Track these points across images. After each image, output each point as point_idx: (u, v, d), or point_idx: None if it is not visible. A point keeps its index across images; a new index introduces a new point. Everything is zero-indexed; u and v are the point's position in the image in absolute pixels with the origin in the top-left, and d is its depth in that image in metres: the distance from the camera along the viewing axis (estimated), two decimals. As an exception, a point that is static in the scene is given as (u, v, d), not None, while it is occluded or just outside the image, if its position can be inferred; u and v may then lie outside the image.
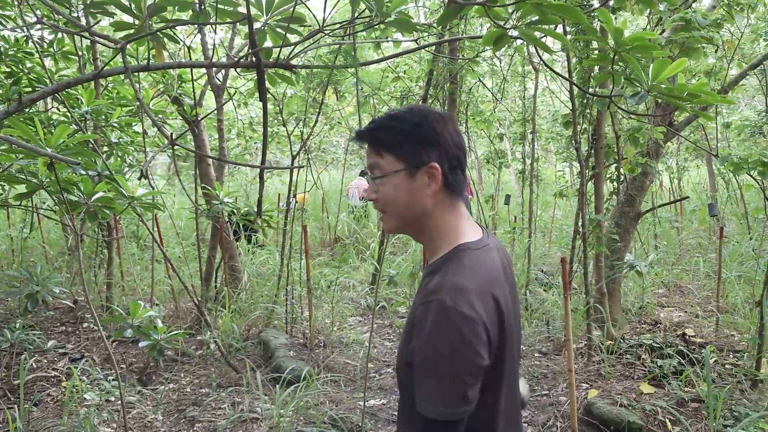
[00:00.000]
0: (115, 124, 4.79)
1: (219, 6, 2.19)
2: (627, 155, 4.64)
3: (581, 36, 3.71)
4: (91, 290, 5.86)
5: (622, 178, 5.05)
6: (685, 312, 6.18)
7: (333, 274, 7.03)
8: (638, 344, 4.52)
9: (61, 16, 3.72)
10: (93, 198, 2.83)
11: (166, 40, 2.52)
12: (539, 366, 4.59)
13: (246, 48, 6.44)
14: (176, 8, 2.35)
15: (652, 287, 6.71)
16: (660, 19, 4.38)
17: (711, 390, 3.59)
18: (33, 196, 3.11)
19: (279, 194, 10.12)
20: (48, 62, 4.83)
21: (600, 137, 4.63)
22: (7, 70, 4.56)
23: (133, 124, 5.19)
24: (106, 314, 5.33)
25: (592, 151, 4.69)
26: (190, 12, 2.35)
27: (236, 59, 2.23)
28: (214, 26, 2.31)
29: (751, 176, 3.67)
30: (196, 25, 5.23)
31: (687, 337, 4.90)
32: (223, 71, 5.79)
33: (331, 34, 2.27)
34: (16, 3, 3.99)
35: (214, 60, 4.82)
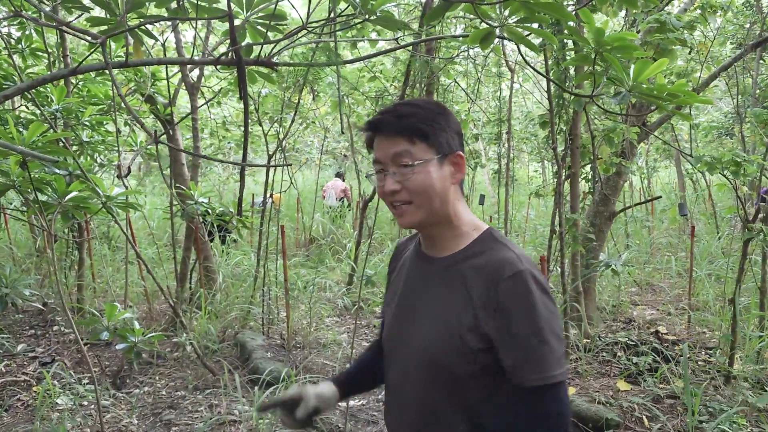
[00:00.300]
0: (87, 123, 4.69)
1: (198, 2, 2.16)
2: (602, 155, 4.69)
3: (560, 36, 3.74)
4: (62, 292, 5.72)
5: (597, 177, 5.11)
6: (658, 310, 6.28)
7: (309, 275, 6.98)
8: (614, 342, 4.58)
9: (31, 11, 3.63)
10: (66, 198, 2.76)
11: (143, 37, 2.47)
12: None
13: (220, 46, 6.37)
14: (153, 4, 2.31)
15: (625, 286, 6.80)
16: (634, 21, 4.44)
17: (685, 387, 3.65)
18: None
19: (253, 194, 10.03)
20: (15, 59, 4.71)
21: (576, 137, 4.68)
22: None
23: (105, 122, 5.08)
24: (78, 317, 5.21)
25: (568, 151, 4.74)
26: (167, 8, 2.31)
27: (217, 57, 2.19)
28: (194, 23, 2.27)
29: (724, 176, 3.74)
30: (169, 23, 5.15)
31: (660, 334, 4.98)
32: (197, 69, 5.71)
33: (313, 31, 2.24)
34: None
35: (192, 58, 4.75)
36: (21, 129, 4.06)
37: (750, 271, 5.13)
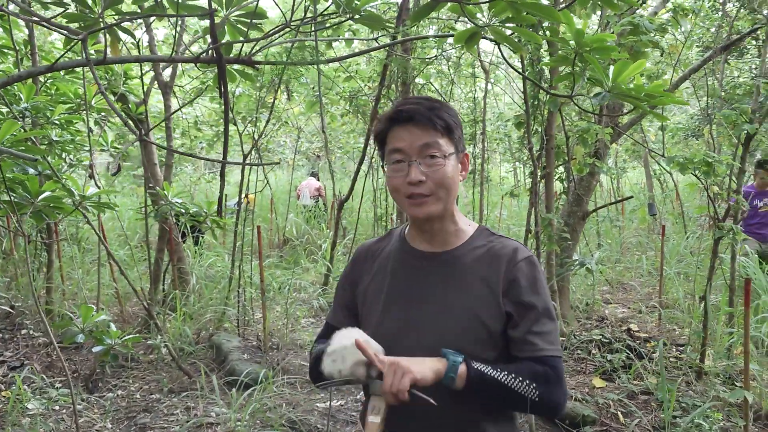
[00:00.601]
0: (56, 122, 4.59)
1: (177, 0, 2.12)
2: (576, 155, 4.75)
3: (541, 37, 3.78)
4: (30, 295, 5.59)
5: (571, 178, 5.18)
6: (629, 308, 6.39)
7: (284, 276, 6.94)
8: (588, 340, 4.65)
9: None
10: (40, 198, 2.70)
11: (118, 33, 2.42)
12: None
13: (194, 44, 6.29)
14: (130, 1, 2.27)
15: (597, 284, 6.91)
16: (608, 24, 4.51)
17: (660, 383, 3.73)
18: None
19: (225, 195, 9.93)
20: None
21: (551, 138, 4.74)
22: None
23: (74, 121, 4.97)
24: (47, 320, 5.10)
25: (543, 152, 4.79)
26: (145, 4, 2.28)
27: (197, 55, 2.17)
28: (172, 20, 2.24)
29: (696, 176, 3.82)
30: (140, 20, 5.06)
31: (632, 332, 5.07)
32: (170, 68, 5.63)
33: (296, 29, 2.23)
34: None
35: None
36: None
37: (719, 268, 5.25)
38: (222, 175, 2.41)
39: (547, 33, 3.27)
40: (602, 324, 5.39)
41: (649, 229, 10.53)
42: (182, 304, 5.18)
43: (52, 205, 2.76)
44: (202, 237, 8.14)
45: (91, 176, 5.28)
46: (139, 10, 2.49)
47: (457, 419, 1.39)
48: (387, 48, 4.98)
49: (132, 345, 3.15)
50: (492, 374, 1.31)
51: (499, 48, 2.18)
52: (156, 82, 5.54)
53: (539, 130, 4.74)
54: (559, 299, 4.85)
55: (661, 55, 6.08)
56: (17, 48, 4.83)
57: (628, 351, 4.39)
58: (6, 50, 4.75)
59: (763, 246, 6.11)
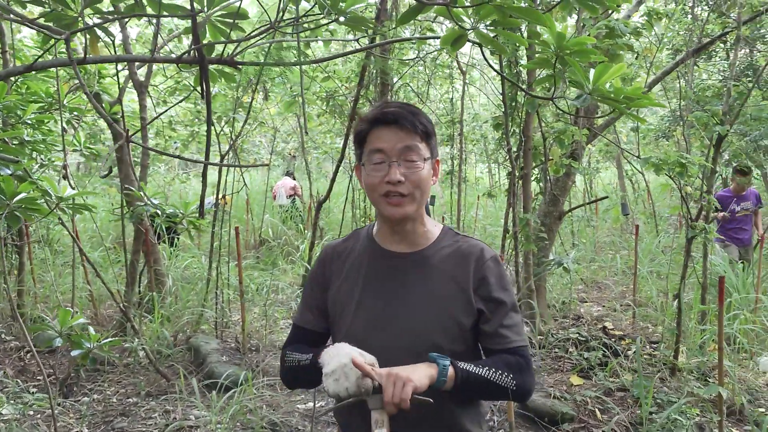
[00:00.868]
0: (28, 122, 4.49)
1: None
2: (553, 156, 4.81)
3: (520, 39, 3.82)
4: (0, 298, 5.48)
5: (548, 178, 5.24)
6: (604, 306, 6.49)
7: (261, 277, 6.90)
8: (565, 338, 4.71)
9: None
10: (15, 199, 2.64)
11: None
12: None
13: (169, 42, 6.22)
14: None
15: (573, 283, 7.00)
16: (583, 26, 4.58)
17: (636, 380, 3.79)
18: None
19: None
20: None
21: (528, 139, 4.79)
22: None
23: (46, 121, 4.88)
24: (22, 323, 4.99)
25: (521, 153, 4.84)
26: (124, 4, 2.25)
27: (179, 55, 2.15)
28: (154, 19, 2.21)
29: (670, 177, 3.89)
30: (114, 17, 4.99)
31: (607, 330, 5.15)
32: (146, 67, 5.56)
33: (280, 30, 2.22)
34: None
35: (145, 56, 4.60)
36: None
37: (691, 267, 5.37)
38: (204, 176, 2.39)
39: (527, 35, 3.30)
40: (578, 322, 5.47)
41: (622, 229, 10.71)
42: (159, 306, 5.12)
43: (27, 206, 2.71)
44: (178, 238, 8.05)
45: (65, 177, 5.18)
46: (116, 9, 2.46)
47: (434, 411, 1.44)
48: (368, 50, 4.98)
49: (109, 348, 3.11)
50: (476, 371, 1.39)
51: (481, 49, 2.20)
52: (131, 81, 5.47)
53: (517, 131, 4.79)
54: (536, 298, 4.91)
55: (636, 58, 6.18)
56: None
57: (604, 349, 4.46)
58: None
59: (741, 251, 6.23)
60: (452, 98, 8.77)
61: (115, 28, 5.78)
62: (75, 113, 5.31)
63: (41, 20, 2.12)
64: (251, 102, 5.32)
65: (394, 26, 4.62)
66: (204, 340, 4.90)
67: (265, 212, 10.16)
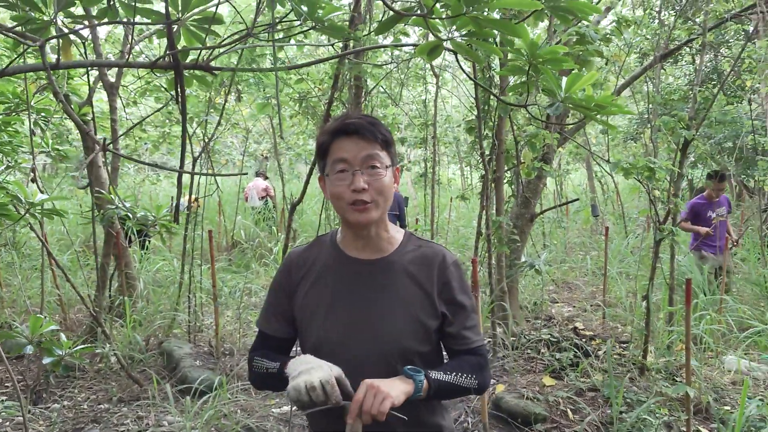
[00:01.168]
0: (-5, 124, 4.39)
1: (130, 2, 2.09)
2: (525, 159, 4.88)
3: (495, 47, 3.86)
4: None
5: (520, 181, 5.31)
6: (574, 307, 6.60)
7: (234, 280, 6.86)
8: (537, 339, 4.77)
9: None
10: (-16, 204, 2.59)
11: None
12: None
13: (140, 43, 6.14)
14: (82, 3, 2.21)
15: (544, 285, 7.09)
16: (554, 32, 4.65)
17: (606, 380, 3.87)
18: None
19: (172, 197, 9.73)
20: None
21: (501, 142, 4.84)
22: None
23: (13, 123, 4.78)
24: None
25: (493, 156, 4.90)
26: (97, 7, 2.22)
27: (154, 60, 2.13)
28: (128, 23, 2.18)
29: (639, 180, 3.98)
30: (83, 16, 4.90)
31: (578, 330, 5.23)
32: (115, 68, 5.48)
33: (255, 36, 2.22)
34: None
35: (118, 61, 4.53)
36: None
37: (659, 268, 5.48)
38: (179, 183, 2.37)
39: (500, 43, 3.35)
40: (550, 323, 5.55)
41: (592, 230, 10.87)
42: (130, 311, 5.06)
43: (-4, 212, 2.66)
44: (149, 241, 7.95)
45: (33, 180, 5.09)
46: (88, 12, 2.42)
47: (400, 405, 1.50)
48: (336, 51, 4.99)
49: (80, 355, 3.07)
50: (446, 379, 1.49)
51: (455, 56, 2.23)
52: (101, 82, 5.39)
53: (490, 134, 4.84)
54: (508, 299, 4.96)
55: (606, 64, 6.30)
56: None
57: (575, 349, 4.54)
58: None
59: (718, 258, 6.12)
60: (425, 100, 8.81)
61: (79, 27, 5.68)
62: (42, 114, 5.21)
63: (11, 24, 2.08)
64: (224, 103, 5.28)
65: (368, 32, 4.63)
66: (177, 344, 4.86)
67: (238, 214, 10.09)
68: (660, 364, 4.21)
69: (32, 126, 5.33)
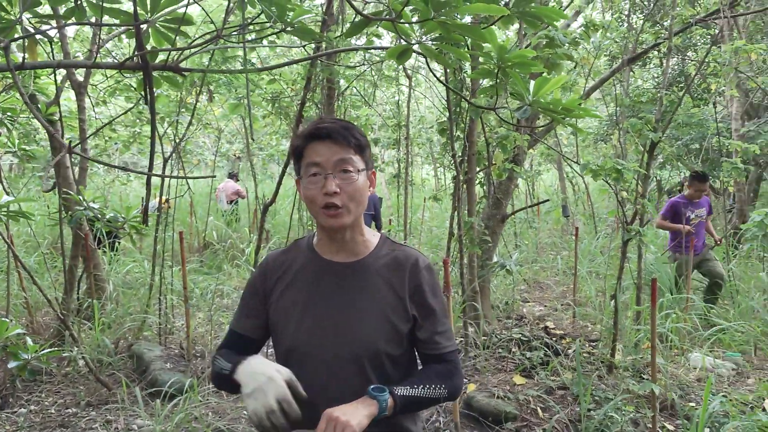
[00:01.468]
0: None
1: (97, 2, 2.06)
2: (496, 161, 4.93)
3: (464, 51, 3.90)
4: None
5: (492, 182, 5.36)
6: (545, 306, 6.68)
7: (206, 281, 6.80)
8: (509, 338, 4.83)
9: None
10: (-54, 206, 2.54)
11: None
12: (419, 364, 4.75)
13: (108, 42, 6.05)
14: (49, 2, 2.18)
15: (516, 284, 7.17)
16: (525, 35, 4.71)
17: (575, 378, 3.93)
18: None
19: (142, 198, 9.60)
20: None
21: (472, 144, 4.89)
22: None
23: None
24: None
25: (465, 157, 4.94)
26: (64, 6, 2.19)
27: (122, 61, 2.11)
28: (98, 21, 2.15)
29: (606, 182, 4.05)
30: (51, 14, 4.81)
31: (548, 329, 5.31)
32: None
33: (225, 38, 2.21)
34: None
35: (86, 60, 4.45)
36: None
37: (627, 268, 5.58)
38: (148, 185, 2.35)
39: (471, 46, 3.38)
40: (521, 322, 5.61)
41: (562, 230, 11.01)
42: (99, 313, 4.98)
43: (-41, 214, 2.61)
44: (119, 242, 7.84)
45: (-1, 181, 4.99)
46: (56, 12, 2.39)
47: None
48: (308, 53, 4.98)
49: (47, 359, 3.02)
50: (413, 393, 1.50)
51: (426, 62, 2.25)
52: (69, 81, 5.30)
53: (461, 136, 4.88)
54: (480, 299, 5.01)
55: (574, 67, 6.39)
56: None
57: (545, 348, 4.60)
58: None
59: (695, 258, 6.01)
60: (398, 101, 8.84)
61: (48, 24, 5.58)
62: (9, 114, 5.12)
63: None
64: (195, 103, 5.23)
65: (339, 34, 4.64)
66: (147, 347, 4.80)
67: (210, 215, 10.00)
68: (627, 362, 4.29)
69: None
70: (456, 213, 4.79)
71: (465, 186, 4.97)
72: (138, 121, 8.93)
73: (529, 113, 2.21)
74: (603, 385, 4.07)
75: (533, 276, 8.01)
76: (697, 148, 10.73)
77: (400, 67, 7.69)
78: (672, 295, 5.44)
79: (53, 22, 2.57)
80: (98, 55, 4.31)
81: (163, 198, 5.72)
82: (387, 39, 7.00)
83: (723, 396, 3.78)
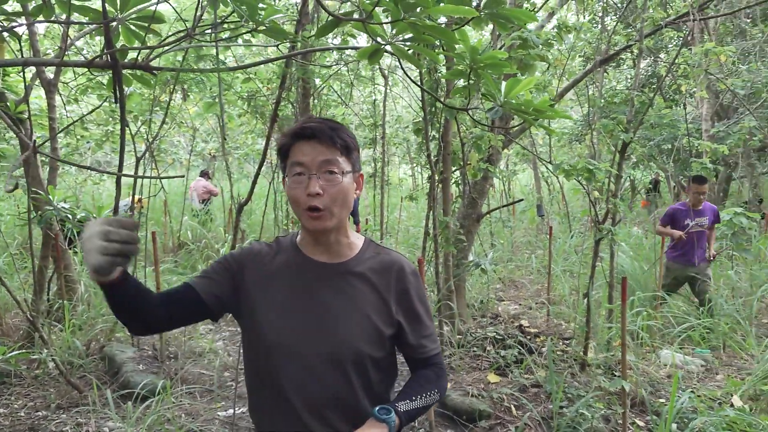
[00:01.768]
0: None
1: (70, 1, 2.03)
2: (471, 161, 4.96)
3: (437, 52, 3.92)
4: None
5: (466, 182, 5.39)
6: (520, 305, 6.74)
7: (179, 281, 6.73)
8: (483, 337, 4.86)
9: None
10: None
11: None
12: (394, 363, 4.76)
13: (78, 40, 5.96)
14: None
15: (491, 283, 7.22)
16: (499, 36, 4.74)
17: (548, 376, 3.97)
18: None
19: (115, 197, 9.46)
20: None
21: (447, 144, 4.91)
22: None
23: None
24: None
25: (440, 157, 4.96)
26: (32, 3, 2.16)
27: (91, 59, 2.08)
28: (66, 18, 2.12)
29: (579, 182, 4.10)
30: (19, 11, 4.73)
31: (523, 328, 5.35)
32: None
33: (196, 37, 2.19)
34: None
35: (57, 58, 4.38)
36: None
37: (599, 266, 5.66)
38: (118, 185, 2.33)
39: (444, 47, 3.40)
40: (496, 321, 5.66)
41: (537, 229, 11.12)
42: (70, 315, 4.91)
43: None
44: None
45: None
46: (25, 9, 2.35)
47: (352, 411, 1.54)
48: (283, 53, 4.96)
49: (16, 361, 2.97)
50: (414, 406, 1.53)
51: (399, 62, 2.26)
52: (38, 79, 5.21)
53: (437, 136, 4.91)
54: (455, 298, 5.04)
55: (548, 68, 6.46)
56: None
57: (519, 347, 4.64)
58: None
59: (690, 269, 5.72)
60: (375, 100, 8.84)
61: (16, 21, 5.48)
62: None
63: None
64: (169, 102, 5.18)
65: (314, 34, 4.62)
66: (119, 348, 4.74)
67: (184, 214, 9.91)
68: (600, 360, 4.35)
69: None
70: (431, 212, 4.81)
71: (440, 186, 5.00)
72: (111, 119, 8.81)
73: (501, 114, 2.23)
74: (576, 382, 4.12)
75: (508, 275, 8.07)
76: (668, 149, 10.91)
77: (377, 66, 7.70)
78: (642, 292, 5.51)
79: (22, 19, 2.52)
80: (68, 53, 4.25)
81: (136, 197, 5.65)
82: (363, 39, 7.01)
83: (691, 392, 3.85)
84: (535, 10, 5.14)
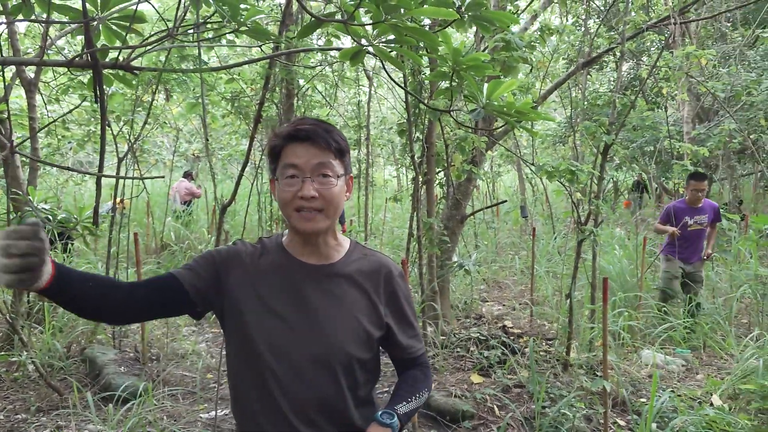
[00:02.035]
0: None
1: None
2: (455, 162, 4.98)
3: (420, 53, 3.93)
4: None
5: (450, 183, 5.41)
6: (504, 305, 6.77)
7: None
8: (467, 338, 4.88)
9: None
10: None
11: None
12: (378, 364, 4.76)
13: (59, 39, 5.90)
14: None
15: (475, 284, 7.25)
16: (483, 38, 4.77)
17: (531, 376, 3.99)
18: None
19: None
20: None
21: (431, 145, 4.93)
22: None
23: None
24: None
25: (424, 159, 4.98)
26: (12, 1, 2.14)
27: (71, 58, 2.07)
28: (46, 17, 2.10)
29: (561, 183, 4.13)
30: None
31: (507, 328, 5.38)
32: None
33: (177, 37, 2.18)
34: None
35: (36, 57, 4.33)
36: None
37: (582, 267, 5.70)
38: (98, 185, 2.31)
39: (427, 49, 3.41)
40: (480, 322, 5.68)
41: (521, 230, 11.18)
42: (50, 316, 4.85)
43: None
44: (72, 244, 7.64)
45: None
46: (5, 8, 2.32)
47: (339, 414, 1.54)
48: (267, 54, 4.95)
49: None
50: (410, 408, 1.58)
51: (382, 63, 2.27)
52: (19, 79, 5.15)
53: (421, 137, 4.92)
54: (439, 299, 5.05)
55: (531, 71, 6.50)
56: None
57: (503, 347, 4.67)
58: None
59: (686, 267, 5.77)
60: (360, 102, 8.84)
61: None
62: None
63: None
64: (151, 102, 5.14)
65: (297, 35, 4.62)
66: (100, 350, 4.70)
67: (168, 216, 9.84)
68: (582, 360, 4.39)
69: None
70: (415, 214, 4.82)
71: (424, 187, 5.01)
72: (92, 119, 8.73)
73: (482, 115, 2.24)
74: (558, 382, 4.15)
75: (492, 276, 8.11)
76: (650, 151, 11.03)
77: (361, 68, 7.71)
78: (624, 293, 5.56)
79: (2, 18, 2.49)
80: (49, 52, 4.20)
81: (118, 198, 5.61)
82: (348, 40, 7.01)
83: (672, 392, 3.90)
84: (518, 12, 5.17)
